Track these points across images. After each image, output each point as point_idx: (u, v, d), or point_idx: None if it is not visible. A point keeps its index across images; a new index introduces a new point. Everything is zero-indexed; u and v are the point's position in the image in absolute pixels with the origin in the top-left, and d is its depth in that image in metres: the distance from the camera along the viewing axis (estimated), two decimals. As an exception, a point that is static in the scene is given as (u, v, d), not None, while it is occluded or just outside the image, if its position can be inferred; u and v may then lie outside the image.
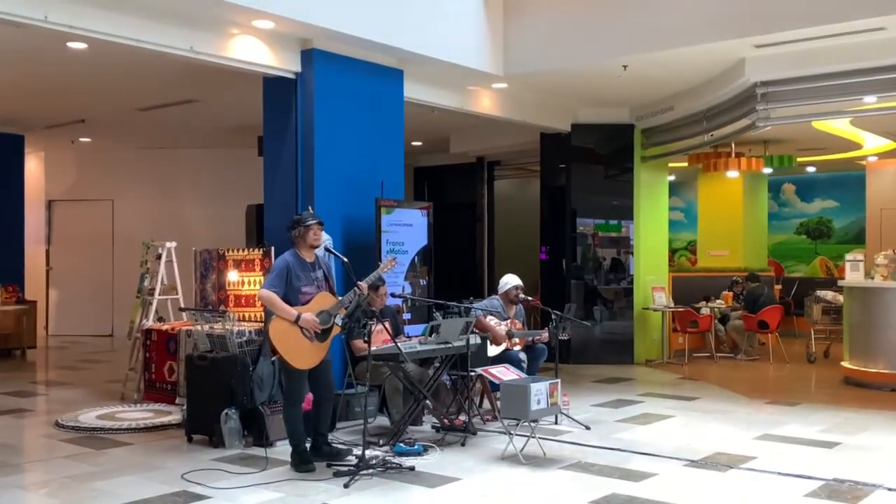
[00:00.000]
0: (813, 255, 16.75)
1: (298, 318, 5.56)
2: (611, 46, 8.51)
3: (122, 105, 10.65)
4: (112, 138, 13.44)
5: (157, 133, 12.90)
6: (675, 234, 16.32)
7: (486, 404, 7.62)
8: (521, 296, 7.83)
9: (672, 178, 13.89)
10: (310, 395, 5.91)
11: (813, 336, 11.49)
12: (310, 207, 6.97)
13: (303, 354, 5.62)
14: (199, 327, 7.27)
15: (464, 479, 5.49)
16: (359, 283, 5.80)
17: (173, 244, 8.86)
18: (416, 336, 7.22)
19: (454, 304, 7.55)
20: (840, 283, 10.04)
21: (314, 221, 5.81)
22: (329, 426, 6.09)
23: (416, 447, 6.07)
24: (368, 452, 5.70)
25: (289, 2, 6.93)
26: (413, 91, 8.74)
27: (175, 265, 8.86)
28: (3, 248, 12.54)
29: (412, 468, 5.65)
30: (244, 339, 6.84)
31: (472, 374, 6.86)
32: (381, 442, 6.29)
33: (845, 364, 9.57)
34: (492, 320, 7.61)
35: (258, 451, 6.07)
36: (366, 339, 5.72)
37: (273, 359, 5.72)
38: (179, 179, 14.41)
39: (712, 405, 8.19)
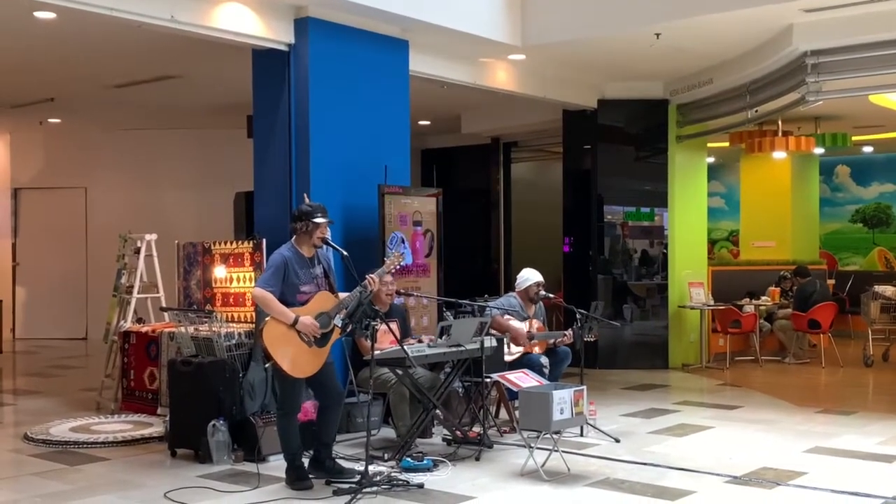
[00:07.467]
0: (870, 245, 16.67)
1: (296, 321, 5.56)
2: (642, 12, 8.47)
3: (95, 81, 10.68)
4: (85, 119, 13.49)
5: (135, 113, 12.94)
6: (714, 223, 16.28)
7: (503, 414, 7.64)
8: (542, 293, 7.84)
9: (711, 159, 13.84)
10: (306, 406, 5.92)
11: (870, 337, 11.45)
12: (305, 195, 6.98)
13: (301, 361, 5.62)
14: (182, 329, 7.31)
15: (478, 497, 5.51)
16: (368, 275, 5.79)
17: (153, 237, 8.89)
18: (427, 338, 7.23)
19: (466, 302, 7.56)
20: (901, 277, 10.00)
21: (325, 221, 5.79)
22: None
23: (424, 462, 6.08)
24: (372, 468, 5.72)
25: (280, -35, 6.96)
26: (420, 64, 8.73)
27: (155, 260, 8.90)
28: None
29: (421, 485, 5.68)
30: (233, 341, 6.86)
31: (488, 380, 6.88)
32: (385, 456, 6.31)
33: (907, 368, 9.56)
34: (510, 320, 7.62)
35: (249, 467, 6.10)
36: (367, 339, 5.71)
37: (266, 366, 5.75)
38: (160, 164, 14.44)
39: (757, 415, 8.18)
